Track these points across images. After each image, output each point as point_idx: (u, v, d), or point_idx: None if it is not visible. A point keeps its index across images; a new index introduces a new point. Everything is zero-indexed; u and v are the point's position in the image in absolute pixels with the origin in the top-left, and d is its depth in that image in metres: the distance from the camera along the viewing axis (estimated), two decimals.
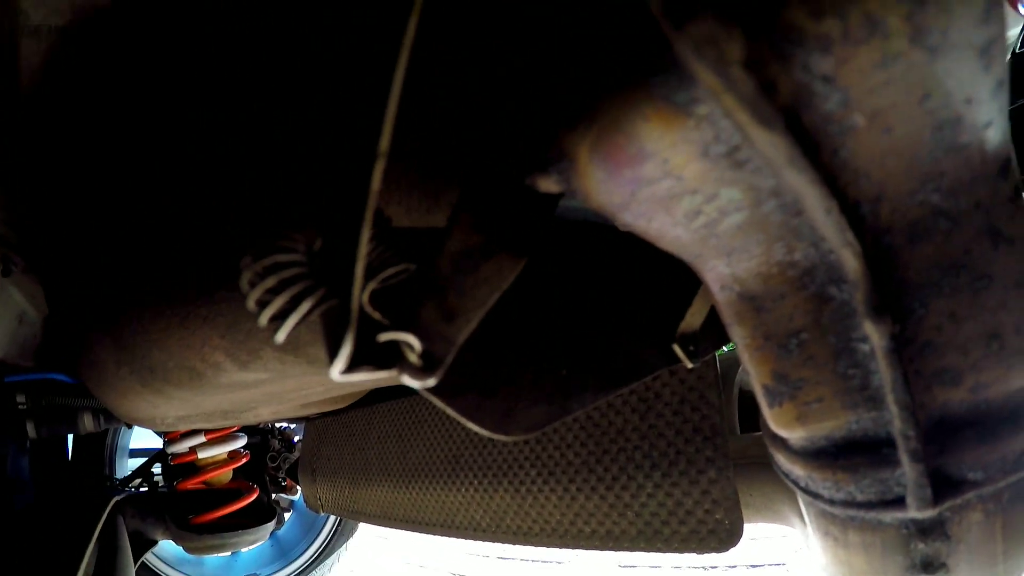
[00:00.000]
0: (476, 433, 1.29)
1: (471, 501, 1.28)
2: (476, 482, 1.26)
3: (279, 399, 1.36)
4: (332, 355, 0.36)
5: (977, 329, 0.39)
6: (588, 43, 0.34)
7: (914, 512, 0.43)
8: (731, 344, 0.78)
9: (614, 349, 0.59)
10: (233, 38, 0.74)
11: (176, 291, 0.89)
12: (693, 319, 0.59)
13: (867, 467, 0.45)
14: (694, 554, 0.88)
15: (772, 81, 0.26)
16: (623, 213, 0.37)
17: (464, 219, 0.38)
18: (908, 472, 0.42)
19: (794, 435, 0.48)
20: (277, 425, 2.53)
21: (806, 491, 0.52)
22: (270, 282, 0.36)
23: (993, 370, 0.40)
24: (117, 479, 2.36)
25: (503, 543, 1.25)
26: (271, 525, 2.18)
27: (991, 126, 0.33)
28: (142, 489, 2.26)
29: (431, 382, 0.37)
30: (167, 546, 2.38)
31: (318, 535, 2.66)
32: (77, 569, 1.55)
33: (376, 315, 0.37)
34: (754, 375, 0.47)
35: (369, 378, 0.36)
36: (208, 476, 2.10)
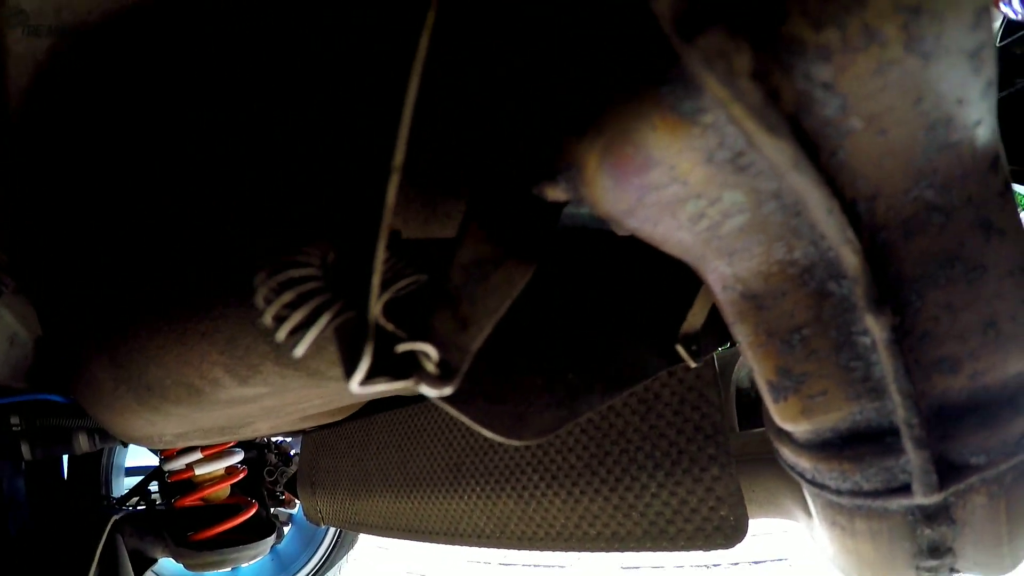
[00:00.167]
0: (477, 440, 1.29)
1: (474, 508, 1.28)
2: (479, 489, 1.27)
3: (277, 413, 1.36)
4: (349, 367, 0.37)
5: (973, 318, 0.40)
6: (594, 55, 0.35)
7: (920, 498, 0.45)
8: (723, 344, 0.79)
9: (617, 352, 0.60)
10: (232, 41, 0.74)
11: (173, 307, 0.88)
12: (694, 320, 0.60)
13: (872, 456, 0.46)
14: (700, 551, 0.89)
15: (776, 90, 0.27)
16: (629, 219, 0.38)
17: (474, 229, 0.39)
18: (913, 459, 0.43)
19: (799, 428, 0.49)
20: (273, 439, 2.52)
21: (812, 483, 0.53)
22: (287, 297, 0.37)
23: (990, 357, 0.41)
24: (114, 498, 2.35)
25: (508, 549, 1.26)
26: (271, 539, 2.17)
27: (981, 124, 0.34)
28: (139, 507, 2.24)
29: (448, 390, 0.38)
30: (167, 564, 2.36)
31: (318, 548, 2.65)
32: None
33: (389, 326, 0.38)
34: (758, 371, 0.48)
35: (386, 389, 0.37)
36: (206, 492, 2.09)
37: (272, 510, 2.43)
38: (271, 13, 0.69)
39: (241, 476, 2.18)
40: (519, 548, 1.22)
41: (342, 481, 1.73)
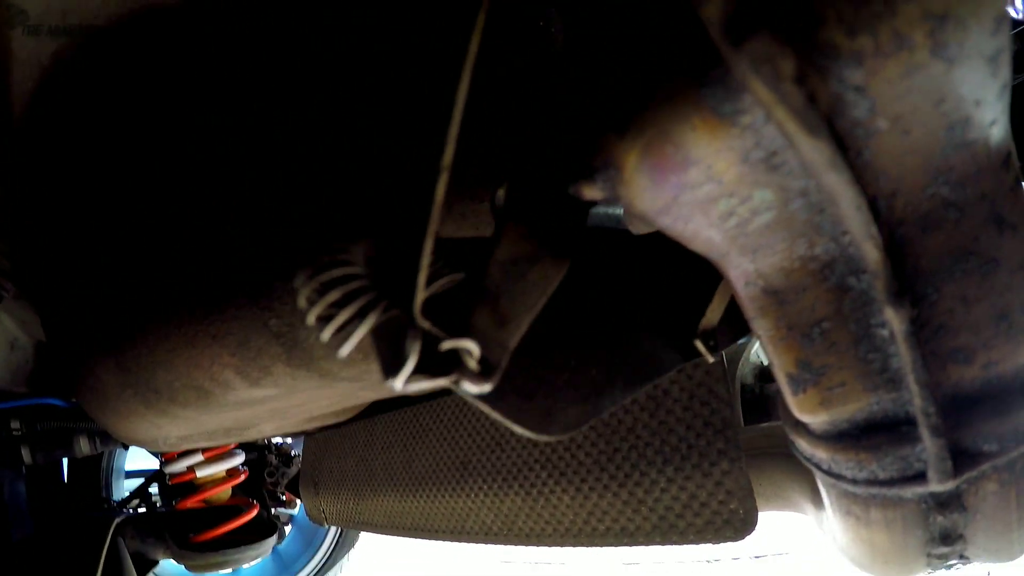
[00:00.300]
0: (484, 438, 1.30)
1: (482, 506, 1.29)
2: (486, 487, 1.27)
3: (283, 415, 1.36)
4: (389, 366, 0.38)
5: (987, 310, 0.42)
6: (636, 57, 0.37)
7: (935, 485, 0.46)
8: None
9: (636, 348, 0.62)
10: (233, 37, 0.74)
11: (183, 310, 0.88)
12: (712, 315, 0.62)
13: (888, 445, 0.48)
14: (710, 544, 0.91)
15: (813, 93, 0.28)
16: (662, 217, 0.39)
17: (511, 227, 0.41)
18: (929, 447, 0.45)
19: (817, 420, 0.51)
20: (274, 440, 2.52)
21: (829, 473, 0.55)
22: (333, 296, 0.38)
23: (1003, 347, 0.43)
24: (115, 501, 2.34)
25: (515, 546, 1.26)
26: (273, 540, 2.17)
27: (996, 123, 0.36)
28: (140, 510, 2.24)
29: (488, 387, 0.39)
30: (168, 566, 2.36)
31: (319, 548, 2.65)
32: None
33: (426, 324, 0.39)
34: (778, 365, 0.49)
35: (428, 387, 0.38)
36: (207, 494, 2.08)
37: (273, 511, 2.43)
38: (290, 12, 0.70)
39: (242, 478, 2.18)
40: (527, 544, 1.23)
41: (346, 481, 1.74)
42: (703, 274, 0.60)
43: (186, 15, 0.71)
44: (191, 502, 2.08)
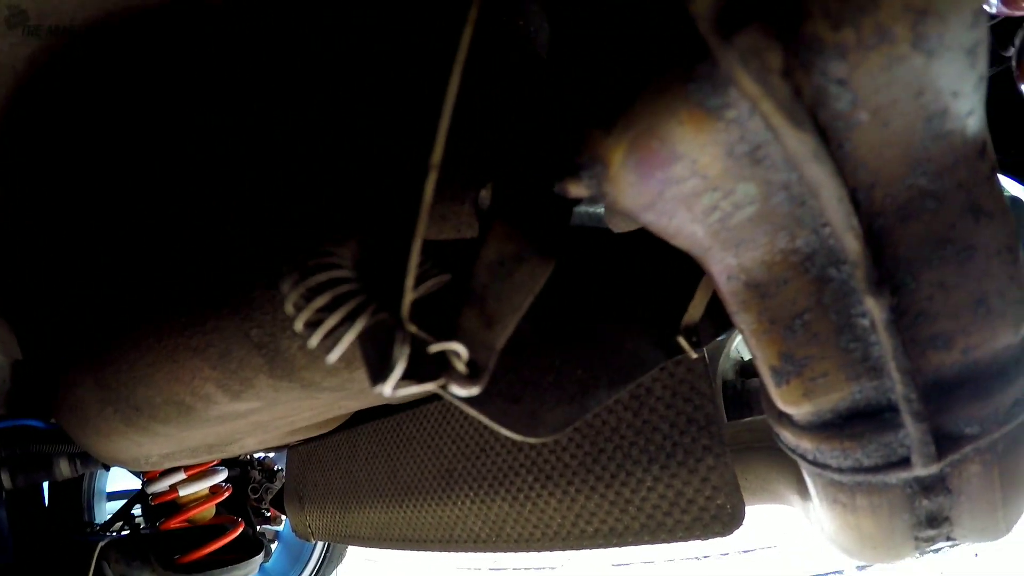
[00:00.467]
0: (468, 445, 1.30)
1: (468, 513, 1.29)
2: (472, 494, 1.27)
3: (265, 428, 1.35)
4: (375, 371, 0.37)
5: (964, 296, 0.43)
6: (622, 53, 0.37)
7: (920, 469, 0.47)
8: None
9: (618, 347, 0.62)
10: (230, 38, 0.73)
11: (163, 323, 0.87)
12: (695, 311, 0.62)
13: (872, 433, 0.49)
14: (698, 541, 0.91)
15: (798, 86, 0.29)
16: (647, 213, 0.40)
17: (498, 227, 0.41)
18: (912, 432, 0.46)
19: (801, 411, 0.51)
20: (256, 455, 2.50)
21: (814, 463, 0.56)
22: (322, 300, 0.37)
23: (981, 332, 0.44)
24: (98, 524, 2.30)
25: (504, 552, 1.26)
26: (259, 558, 2.15)
27: (972, 114, 0.37)
28: (124, 532, 2.20)
29: (477, 390, 0.39)
30: None
31: (307, 564, 2.62)
32: None
33: (413, 328, 0.39)
34: (761, 358, 0.50)
35: (415, 391, 0.38)
36: (191, 513, 2.06)
37: (258, 528, 2.40)
38: (274, 14, 0.70)
39: (226, 495, 2.16)
40: (516, 550, 1.22)
41: (332, 494, 1.72)
42: (685, 270, 0.61)
43: (168, 18, 0.70)
44: (175, 522, 2.05)
